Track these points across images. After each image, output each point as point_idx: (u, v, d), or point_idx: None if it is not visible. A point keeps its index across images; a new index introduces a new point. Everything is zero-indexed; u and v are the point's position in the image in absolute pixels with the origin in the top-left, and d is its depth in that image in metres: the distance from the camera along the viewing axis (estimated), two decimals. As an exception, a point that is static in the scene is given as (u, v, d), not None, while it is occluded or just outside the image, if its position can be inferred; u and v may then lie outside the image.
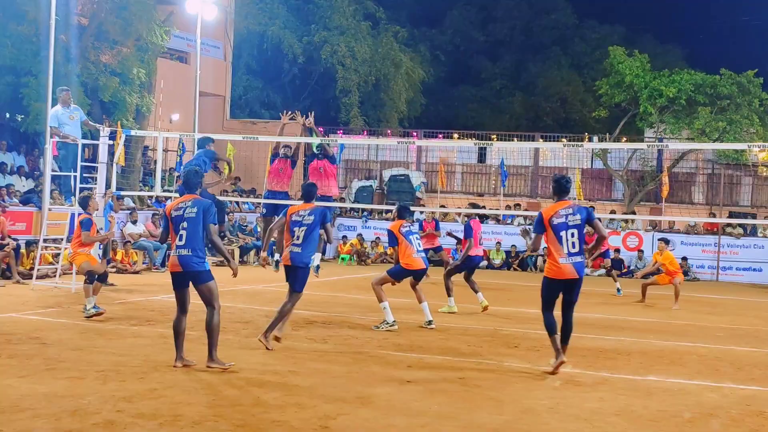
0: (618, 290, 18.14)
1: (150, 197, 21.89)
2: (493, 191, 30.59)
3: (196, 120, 22.41)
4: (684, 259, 24.59)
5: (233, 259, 8.61)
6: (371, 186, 30.36)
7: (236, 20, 31.90)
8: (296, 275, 9.32)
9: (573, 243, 8.36)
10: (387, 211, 27.50)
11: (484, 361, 9.10)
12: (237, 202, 24.32)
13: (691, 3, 47.40)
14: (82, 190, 13.56)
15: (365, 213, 27.49)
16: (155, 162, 19.24)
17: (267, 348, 9.10)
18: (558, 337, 8.45)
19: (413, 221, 12.12)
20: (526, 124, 40.41)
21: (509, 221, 26.92)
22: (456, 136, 33.59)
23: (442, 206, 26.82)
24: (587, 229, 8.53)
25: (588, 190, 30.21)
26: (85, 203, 12.24)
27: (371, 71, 34.58)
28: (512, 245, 25.43)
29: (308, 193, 9.78)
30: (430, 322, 11.52)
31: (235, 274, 8.35)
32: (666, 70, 28.68)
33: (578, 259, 8.38)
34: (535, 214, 8.98)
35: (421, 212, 21.57)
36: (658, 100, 27.66)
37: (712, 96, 27.32)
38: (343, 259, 24.88)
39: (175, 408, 6.44)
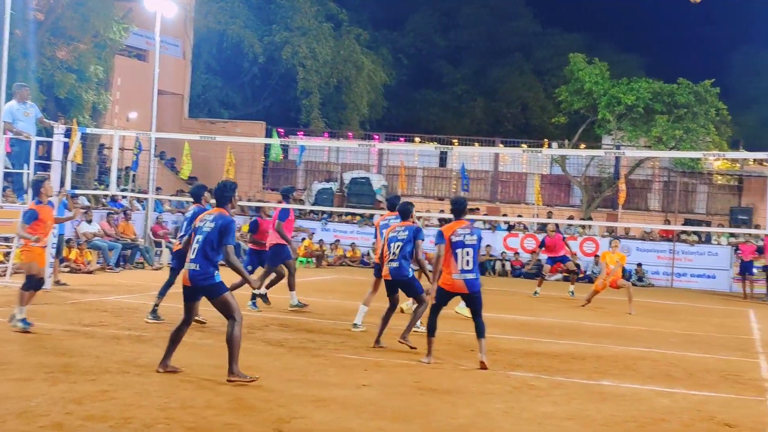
0: (571, 292, 18.39)
1: (105, 196, 21.54)
2: (453, 195, 30.73)
3: (153, 118, 22.12)
4: (639, 265, 24.96)
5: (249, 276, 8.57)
6: (331, 188, 30.35)
7: (196, 18, 31.57)
8: (403, 287, 10.22)
9: (467, 261, 8.96)
10: (347, 214, 27.53)
11: (440, 365, 9.10)
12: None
13: (651, 13, 48.21)
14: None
15: (325, 215, 27.50)
16: (111, 160, 18.96)
17: (411, 347, 9.86)
18: (434, 339, 9.21)
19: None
20: (486, 128, 40.62)
21: (468, 225, 26.99)
22: (417, 139, 33.74)
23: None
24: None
25: (547, 195, 30.52)
26: (37, 188, 10.77)
27: (333, 73, 34.49)
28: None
29: (405, 211, 10.49)
30: (355, 325, 11.36)
31: (254, 287, 8.73)
32: (625, 78, 29.07)
33: (470, 276, 8.98)
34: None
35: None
36: (616, 108, 28.04)
37: (670, 104, 27.78)
38: (301, 261, 24.77)
39: (125, 410, 6.32)
